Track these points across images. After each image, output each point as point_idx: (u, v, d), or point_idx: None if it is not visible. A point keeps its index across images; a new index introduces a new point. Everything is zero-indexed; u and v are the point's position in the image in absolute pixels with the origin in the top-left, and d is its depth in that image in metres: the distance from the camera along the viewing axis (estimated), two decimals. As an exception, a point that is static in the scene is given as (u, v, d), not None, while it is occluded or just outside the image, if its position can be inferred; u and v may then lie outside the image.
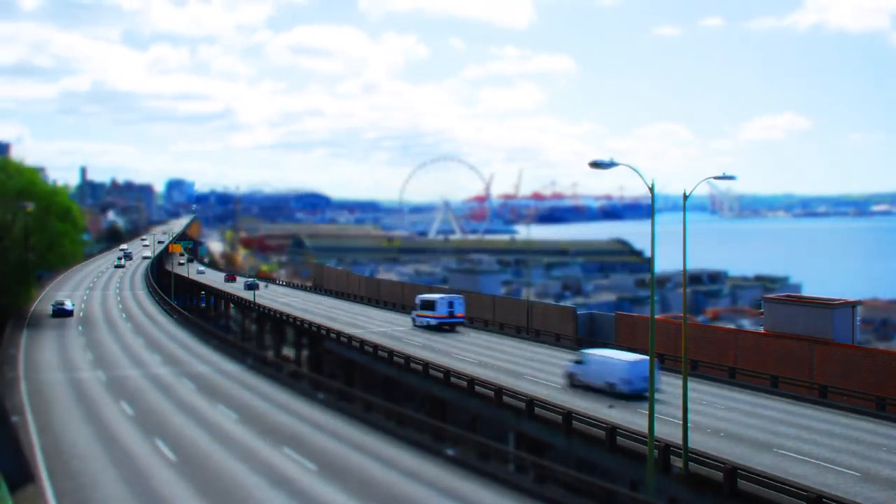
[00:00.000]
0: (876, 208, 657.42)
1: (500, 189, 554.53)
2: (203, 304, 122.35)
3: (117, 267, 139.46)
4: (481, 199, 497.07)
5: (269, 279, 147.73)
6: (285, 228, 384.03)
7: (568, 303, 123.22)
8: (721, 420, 36.13)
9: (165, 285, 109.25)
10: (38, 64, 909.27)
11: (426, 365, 48.58)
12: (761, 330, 53.13)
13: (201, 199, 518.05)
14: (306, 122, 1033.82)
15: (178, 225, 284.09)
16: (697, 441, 30.26)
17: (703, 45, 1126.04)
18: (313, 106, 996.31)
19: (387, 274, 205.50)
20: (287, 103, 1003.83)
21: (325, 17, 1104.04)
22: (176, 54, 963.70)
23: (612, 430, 32.32)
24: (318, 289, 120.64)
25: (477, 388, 42.75)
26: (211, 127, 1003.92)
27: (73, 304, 76.43)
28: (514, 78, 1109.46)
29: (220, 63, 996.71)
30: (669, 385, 41.05)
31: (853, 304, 49.79)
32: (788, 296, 57.97)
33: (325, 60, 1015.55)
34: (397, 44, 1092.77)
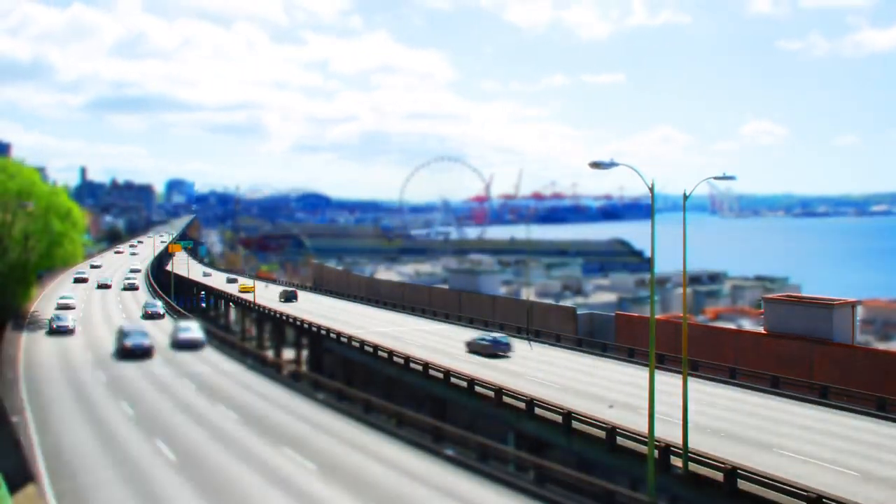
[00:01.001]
0: (876, 208, 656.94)
1: (499, 189, 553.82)
2: (203, 304, 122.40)
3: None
4: (481, 200, 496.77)
5: (269, 279, 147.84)
6: (285, 228, 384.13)
7: (568, 303, 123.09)
8: (721, 420, 36.15)
9: (165, 285, 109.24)
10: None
11: (426, 365, 48.59)
12: (761, 330, 53.14)
13: (201, 199, 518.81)
14: (332, 129, 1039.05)
15: (179, 225, 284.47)
16: (697, 441, 30.27)
17: (727, 59, 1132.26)
18: (348, 114, 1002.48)
19: (387, 274, 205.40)
20: (322, 111, 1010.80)
21: (429, 43, 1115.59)
22: (256, 73, 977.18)
23: (612, 430, 32.33)
24: (318, 289, 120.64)
25: (477, 388, 42.76)
26: (237, 134, 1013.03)
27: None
28: (556, 92, 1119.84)
29: (300, 79, 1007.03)
30: (660, 383, 41.02)
31: (853, 304, 49.80)
32: (788, 296, 57.99)
33: (393, 77, 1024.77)
34: (474, 64, 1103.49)
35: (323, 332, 68.14)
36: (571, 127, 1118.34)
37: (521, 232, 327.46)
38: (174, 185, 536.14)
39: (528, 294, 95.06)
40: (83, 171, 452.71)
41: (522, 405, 38.41)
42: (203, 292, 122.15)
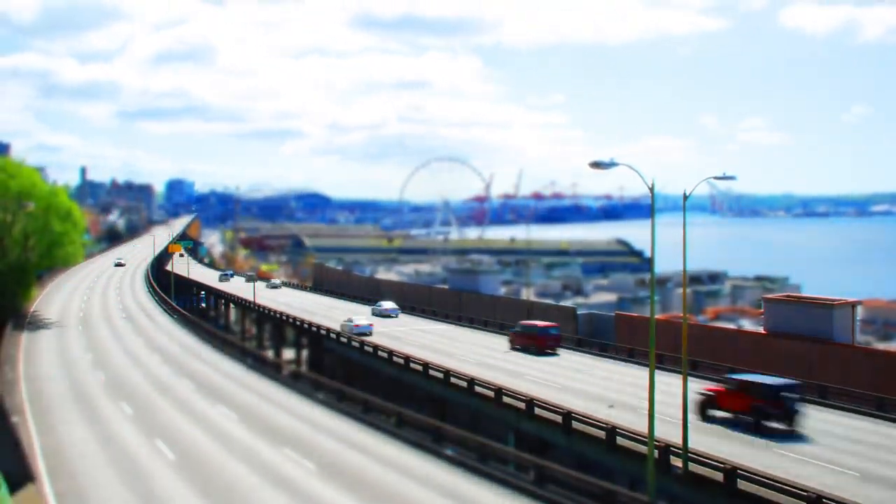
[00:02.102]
0: (876, 208, 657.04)
1: (499, 189, 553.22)
2: (203, 304, 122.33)
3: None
4: (481, 200, 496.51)
5: (269, 279, 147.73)
6: (285, 228, 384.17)
7: (568, 303, 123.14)
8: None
9: (165, 285, 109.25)
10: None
11: (426, 365, 48.59)
12: (761, 330, 53.14)
13: (201, 199, 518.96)
14: (353, 134, 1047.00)
15: (179, 224, 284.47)
16: (697, 441, 30.27)
17: (730, 61, 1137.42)
18: (371, 122, 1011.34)
19: (387, 274, 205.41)
20: (346, 119, 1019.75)
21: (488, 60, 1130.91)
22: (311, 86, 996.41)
23: (612, 430, 32.33)
24: (318, 289, 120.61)
25: (477, 388, 42.75)
26: (261, 139, 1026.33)
27: None
28: (571, 99, 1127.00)
29: (342, 86, 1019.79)
30: (660, 383, 41.00)
31: (853, 304, 49.76)
32: (788, 296, 57.98)
33: (432, 90, 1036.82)
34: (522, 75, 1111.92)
35: (323, 332, 68.14)
36: (573, 128, 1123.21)
37: (521, 232, 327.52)
38: (174, 185, 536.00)
39: (528, 294, 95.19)
40: (83, 171, 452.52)
41: (522, 405, 38.40)
42: (203, 292, 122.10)
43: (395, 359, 53.21)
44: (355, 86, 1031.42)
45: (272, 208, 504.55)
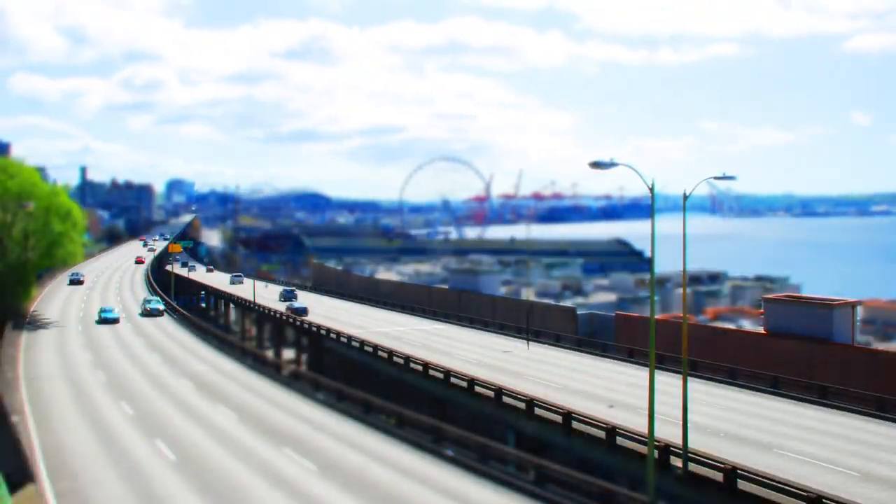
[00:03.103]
0: (876, 208, 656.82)
1: (499, 189, 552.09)
2: (203, 304, 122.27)
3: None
4: (481, 200, 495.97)
5: (268, 279, 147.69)
6: (285, 228, 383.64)
7: (568, 303, 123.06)
8: (721, 420, 36.15)
9: (166, 285, 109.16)
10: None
11: (426, 365, 48.60)
12: (761, 330, 53.15)
13: (201, 199, 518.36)
14: (363, 137, 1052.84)
15: (179, 224, 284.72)
16: (697, 441, 30.27)
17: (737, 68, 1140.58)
18: (399, 125, 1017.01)
19: (387, 274, 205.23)
20: (377, 120, 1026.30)
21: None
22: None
23: (612, 430, 32.34)
24: (318, 289, 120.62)
25: (477, 388, 42.76)
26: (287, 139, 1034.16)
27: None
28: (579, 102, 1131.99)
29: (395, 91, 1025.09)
30: (660, 383, 40.97)
31: (853, 304, 49.81)
32: (788, 296, 58.06)
33: (468, 101, 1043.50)
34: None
35: (323, 332, 68.13)
36: (574, 128, 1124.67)
37: (521, 232, 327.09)
38: (174, 185, 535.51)
39: (528, 294, 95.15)
40: (83, 171, 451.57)
41: (522, 405, 38.41)
42: (203, 292, 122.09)
43: (395, 359, 53.23)
44: (380, 94, 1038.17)
45: (272, 208, 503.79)
